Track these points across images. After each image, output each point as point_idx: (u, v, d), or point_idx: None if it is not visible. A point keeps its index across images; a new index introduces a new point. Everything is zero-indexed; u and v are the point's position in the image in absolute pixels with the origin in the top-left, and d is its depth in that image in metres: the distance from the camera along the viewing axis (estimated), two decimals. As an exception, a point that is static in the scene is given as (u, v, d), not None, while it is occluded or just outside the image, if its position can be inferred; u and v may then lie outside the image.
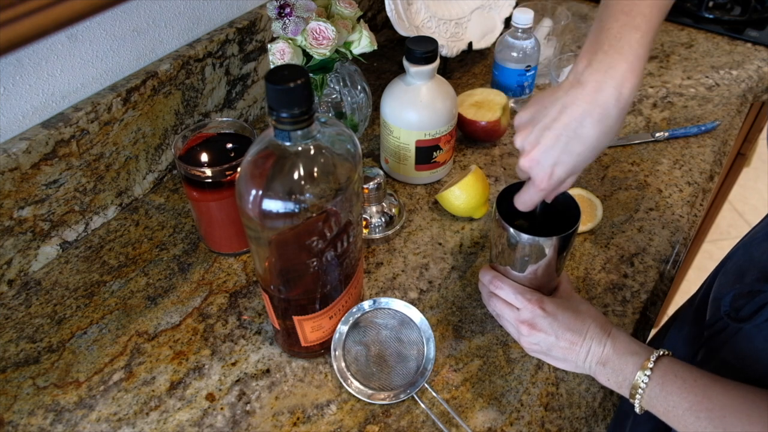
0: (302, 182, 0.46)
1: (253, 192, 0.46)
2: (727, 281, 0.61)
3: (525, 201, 0.57)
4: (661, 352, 0.52)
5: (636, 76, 0.48)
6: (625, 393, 0.53)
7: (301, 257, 0.50)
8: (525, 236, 0.56)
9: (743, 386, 0.48)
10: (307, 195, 0.46)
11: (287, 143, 0.45)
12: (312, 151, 0.46)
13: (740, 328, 0.55)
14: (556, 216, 0.60)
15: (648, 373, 0.51)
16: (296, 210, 0.46)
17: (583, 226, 0.75)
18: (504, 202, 0.60)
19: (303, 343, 0.59)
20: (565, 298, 0.60)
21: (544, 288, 0.61)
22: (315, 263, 0.51)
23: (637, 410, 0.53)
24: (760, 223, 0.66)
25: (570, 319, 0.57)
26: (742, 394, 0.47)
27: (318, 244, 0.49)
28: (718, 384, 0.48)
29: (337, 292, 0.56)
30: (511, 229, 0.57)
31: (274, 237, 0.49)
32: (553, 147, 0.51)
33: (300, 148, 0.46)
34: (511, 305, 0.60)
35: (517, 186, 0.61)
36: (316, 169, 0.47)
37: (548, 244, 0.56)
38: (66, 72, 0.66)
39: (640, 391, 0.51)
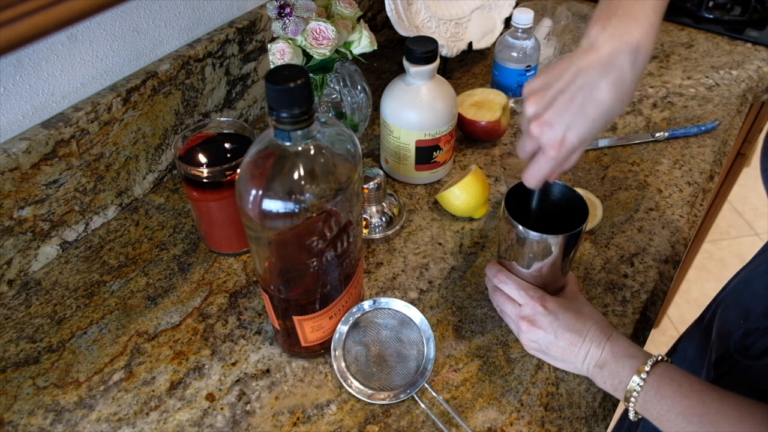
0: (302, 182, 0.46)
1: (253, 192, 0.46)
2: (730, 317, 0.60)
3: (534, 175, 0.55)
4: (659, 357, 0.52)
5: (650, 41, 0.48)
6: (620, 396, 0.53)
7: (301, 257, 0.50)
8: (533, 233, 0.57)
9: (740, 396, 0.47)
10: (307, 195, 0.46)
11: (287, 143, 0.45)
12: (312, 151, 0.46)
13: (750, 366, 0.55)
14: (564, 215, 0.61)
15: (644, 376, 0.51)
16: (296, 210, 0.46)
17: (583, 226, 0.75)
18: (513, 200, 0.60)
19: (303, 343, 0.59)
20: (570, 299, 0.60)
21: (550, 287, 0.61)
22: (315, 263, 0.51)
23: (631, 415, 0.52)
24: (759, 254, 0.65)
25: (571, 320, 0.57)
26: (738, 402, 0.47)
27: (318, 244, 0.49)
28: (715, 392, 0.48)
29: (337, 292, 0.56)
30: (520, 227, 0.57)
31: (274, 237, 0.49)
32: (566, 109, 0.49)
33: (300, 148, 0.46)
34: (513, 301, 0.60)
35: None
36: (316, 169, 0.47)
37: (555, 242, 0.57)
38: (66, 72, 0.66)
39: (634, 394, 0.51)
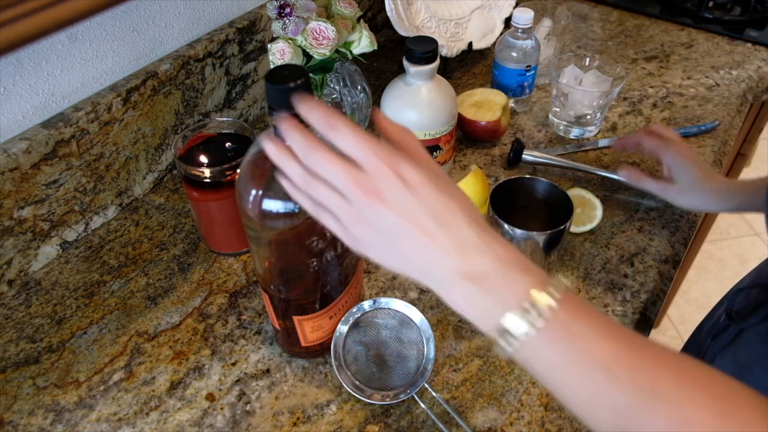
0: (302, 182, 0.46)
1: (253, 192, 0.46)
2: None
3: None
4: (560, 279, 0.40)
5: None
6: (492, 322, 0.37)
7: (301, 257, 0.50)
8: (519, 231, 0.58)
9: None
10: (307, 195, 0.46)
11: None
12: (312, 151, 0.46)
13: (742, 330, 0.55)
14: (550, 212, 0.61)
15: (556, 296, 0.36)
16: (296, 210, 0.46)
17: (583, 226, 0.75)
18: (498, 198, 0.61)
19: (303, 343, 0.59)
20: (434, 170, 0.40)
21: None
22: (315, 263, 0.51)
23: (509, 351, 0.37)
24: None
25: (435, 200, 0.38)
26: (673, 353, 0.37)
27: (318, 244, 0.49)
28: (641, 336, 0.38)
29: (337, 292, 0.56)
30: (505, 225, 0.58)
31: (274, 237, 0.49)
32: None
33: (300, 148, 0.46)
34: (347, 165, 0.38)
35: (513, 181, 0.62)
36: (316, 169, 0.47)
37: (541, 239, 0.58)
38: (66, 72, 0.66)
39: (527, 326, 0.36)
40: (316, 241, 0.49)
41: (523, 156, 0.81)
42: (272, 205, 0.46)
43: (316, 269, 0.51)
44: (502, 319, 0.36)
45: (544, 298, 0.36)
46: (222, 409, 0.58)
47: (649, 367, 0.35)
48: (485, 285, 0.37)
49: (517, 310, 0.36)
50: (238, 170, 0.48)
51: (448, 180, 0.40)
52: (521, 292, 0.36)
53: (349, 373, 0.59)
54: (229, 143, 0.68)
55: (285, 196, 0.46)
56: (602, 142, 0.87)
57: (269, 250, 0.50)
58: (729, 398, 0.34)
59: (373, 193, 0.38)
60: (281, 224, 0.47)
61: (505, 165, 0.82)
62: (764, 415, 0.33)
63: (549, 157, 0.81)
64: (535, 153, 0.82)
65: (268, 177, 0.46)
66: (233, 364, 0.61)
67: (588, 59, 0.89)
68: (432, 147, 0.76)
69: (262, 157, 0.47)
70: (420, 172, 0.38)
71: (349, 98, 0.82)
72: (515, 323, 0.36)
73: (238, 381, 0.60)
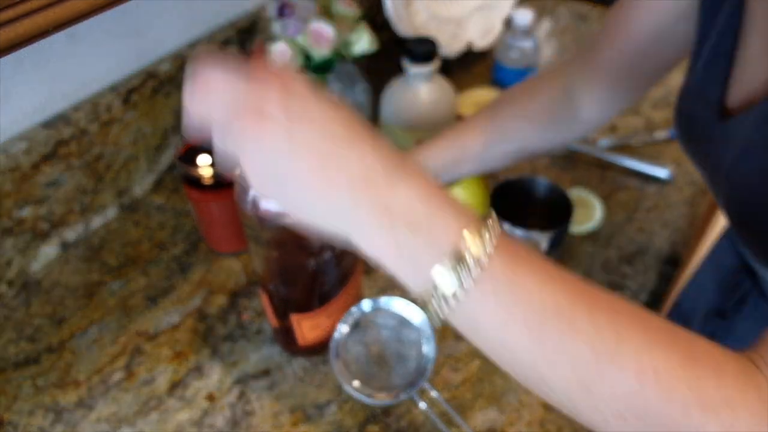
0: (302, 182, 0.46)
1: (252, 192, 0.46)
2: None
3: None
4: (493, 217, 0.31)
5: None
6: (422, 274, 0.30)
7: (299, 257, 0.50)
8: (518, 231, 0.58)
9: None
10: (307, 195, 0.46)
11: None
12: (312, 151, 0.46)
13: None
14: (550, 211, 0.62)
15: (492, 241, 0.30)
16: (296, 210, 0.46)
17: (583, 226, 0.75)
18: (498, 199, 0.61)
19: (301, 343, 0.59)
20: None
21: None
22: (313, 263, 0.51)
23: (440, 314, 0.30)
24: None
25: (329, 117, 0.31)
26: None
27: (316, 244, 0.49)
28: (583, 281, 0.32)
29: (335, 291, 0.57)
30: (506, 225, 0.58)
31: (273, 237, 0.49)
32: None
33: (300, 148, 0.46)
34: (229, 89, 0.33)
35: (513, 181, 0.62)
36: (315, 169, 0.47)
37: (542, 239, 0.58)
38: (66, 72, 0.66)
39: (466, 277, 0.29)
40: (314, 240, 0.49)
41: None
42: (271, 204, 0.46)
43: (314, 269, 0.51)
44: (432, 271, 0.29)
45: (478, 244, 0.29)
46: (222, 409, 0.58)
47: (607, 313, 0.30)
48: (407, 224, 0.30)
49: (448, 258, 0.29)
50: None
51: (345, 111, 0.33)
52: (451, 234, 0.29)
53: (349, 373, 0.59)
54: (229, 143, 0.68)
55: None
56: (602, 143, 0.87)
57: (267, 249, 0.50)
58: (693, 343, 0.30)
59: (253, 112, 0.31)
60: (280, 224, 0.47)
61: None
62: (729, 359, 0.30)
63: None
64: None
65: (267, 177, 0.46)
66: (233, 364, 0.61)
67: (588, 59, 0.89)
68: (432, 147, 0.76)
69: (262, 157, 0.47)
70: (309, 86, 0.33)
71: (349, 98, 0.82)
72: (446, 277, 0.29)
73: (238, 381, 0.60)
